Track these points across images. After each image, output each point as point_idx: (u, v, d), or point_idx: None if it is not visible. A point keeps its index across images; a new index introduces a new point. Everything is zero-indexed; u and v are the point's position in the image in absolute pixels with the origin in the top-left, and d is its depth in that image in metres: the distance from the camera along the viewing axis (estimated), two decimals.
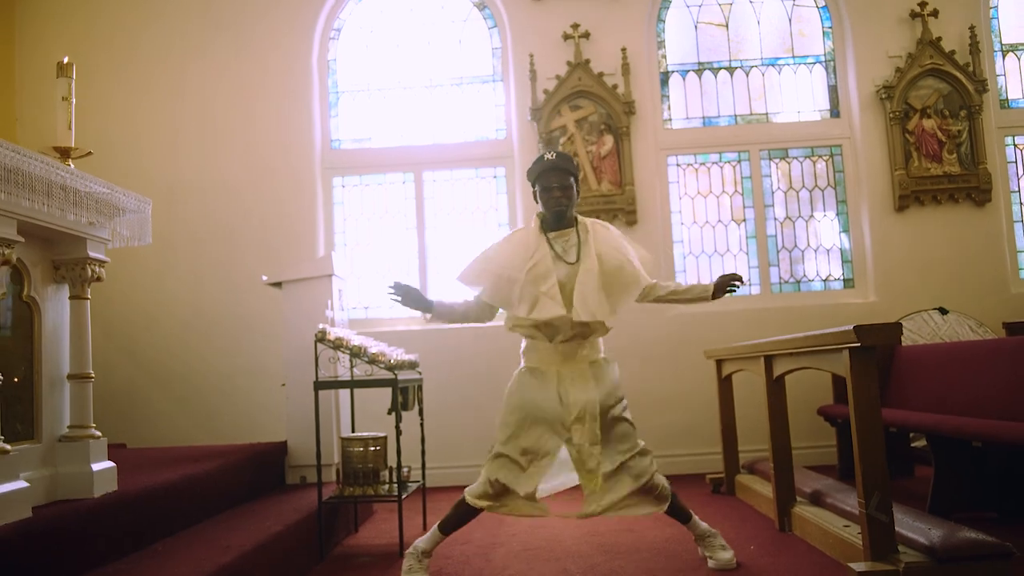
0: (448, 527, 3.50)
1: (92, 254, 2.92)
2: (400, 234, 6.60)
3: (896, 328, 2.81)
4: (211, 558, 2.82)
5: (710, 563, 3.44)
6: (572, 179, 3.47)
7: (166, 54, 6.62)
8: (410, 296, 3.55)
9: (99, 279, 2.97)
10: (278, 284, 4.95)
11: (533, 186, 3.52)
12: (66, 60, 2.95)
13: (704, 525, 3.53)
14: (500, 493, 3.37)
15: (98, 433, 2.94)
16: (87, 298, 2.96)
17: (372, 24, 6.76)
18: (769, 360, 4.07)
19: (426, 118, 6.67)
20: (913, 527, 2.97)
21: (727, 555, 3.42)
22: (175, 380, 6.36)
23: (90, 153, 2.97)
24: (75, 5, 6.70)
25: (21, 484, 2.49)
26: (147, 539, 3.08)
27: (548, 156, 3.46)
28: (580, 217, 3.55)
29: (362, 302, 6.56)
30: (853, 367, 2.93)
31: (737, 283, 3.63)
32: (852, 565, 2.84)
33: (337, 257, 5.10)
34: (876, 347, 2.87)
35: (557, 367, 3.41)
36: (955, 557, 2.74)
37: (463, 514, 3.49)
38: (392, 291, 3.53)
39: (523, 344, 3.53)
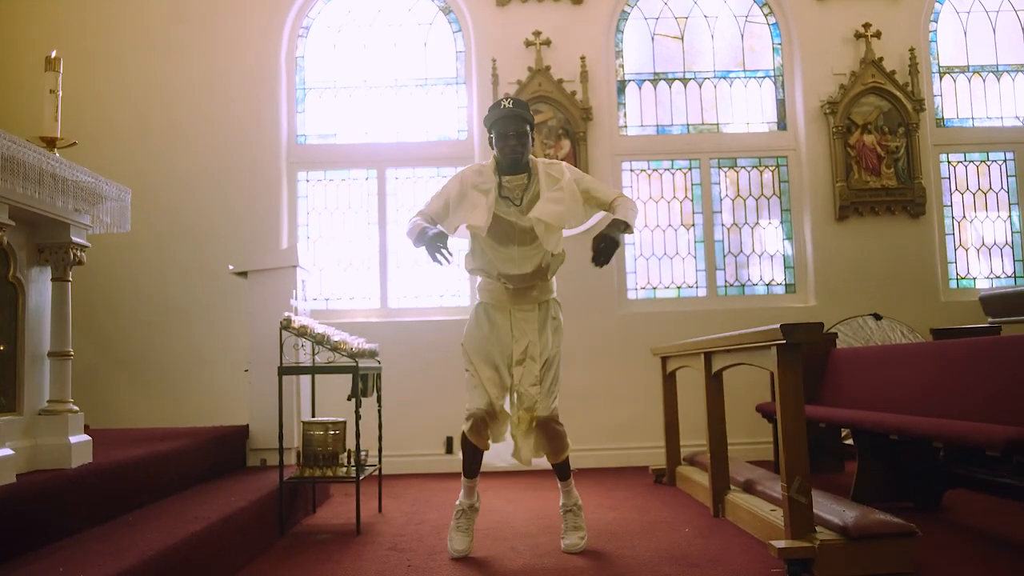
0: (467, 470, 3.72)
1: (75, 239, 3.09)
2: (363, 229, 6.78)
3: (818, 327, 3.09)
4: (181, 528, 3.00)
5: (562, 544, 3.70)
6: (528, 127, 3.54)
7: (137, 48, 6.73)
8: (433, 242, 3.48)
9: (80, 263, 3.13)
10: (243, 274, 5.12)
11: (489, 132, 3.58)
12: (54, 54, 3.10)
13: (576, 494, 3.83)
14: (476, 420, 3.56)
15: (76, 408, 3.11)
16: (69, 280, 3.13)
17: (340, 23, 6.94)
18: (708, 356, 4.35)
19: (390, 117, 6.87)
20: (831, 510, 3.26)
21: (575, 537, 3.69)
22: (138, 366, 6.49)
23: (75, 143, 3.13)
24: (46, 2, 6.80)
25: (7, 451, 2.67)
26: (120, 510, 3.25)
27: (505, 104, 3.52)
28: (534, 160, 3.63)
29: (323, 293, 6.73)
30: (780, 362, 3.21)
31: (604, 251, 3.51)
32: (773, 542, 3.11)
33: (301, 249, 5.28)
34: (801, 344, 3.15)
35: (509, 306, 3.66)
36: (865, 535, 3.03)
37: (465, 450, 3.70)
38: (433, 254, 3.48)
39: (479, 280, 3.79)
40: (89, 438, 3.15)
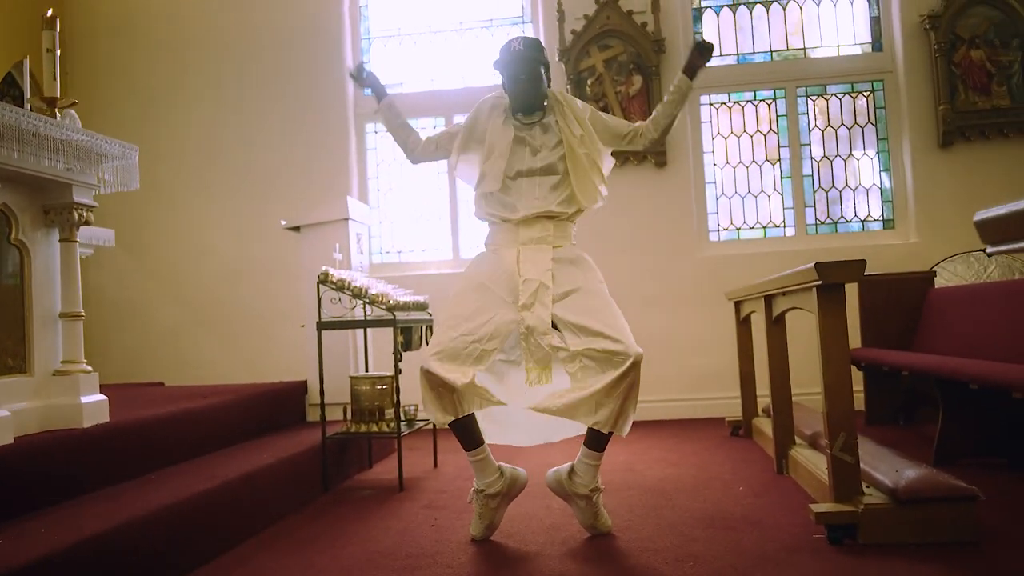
0: (464, 444, 3.10)
1: (78, 199, 3.06)
2: (432, 179, 6.65)
3: (859, 266, 2.72)
4: (192, 486, 2.97)
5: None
6: (541, 67, 3.26)
7: (204, 8, 6.77)
8: (370, 78, 3.47)
9: (87, 223, 3.11)
10: (297, 228, 5.08)
11: (501, 74, 3.32)
12: (50, 14, 3.05)
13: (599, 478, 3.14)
14: (440, 390, 2.93)
15: (89, 368, 3.11)
16: (76, 241, 3.12)
17: None
18: (769, 300, 4.00)
19: (456, 62, 6.67)
20: (884, 470, 2.92)
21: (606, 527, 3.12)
22: (219, 322, 6.63)
23: (75, 103, 3.10)
24: None
25: (3, 412, 2.68)
26: (142, 468, 3.26)
27: (516, 46, 3.26)
28: (552, 92, 3.33)
29: (395, 246, 6.66)
30: (820, 305, 2.87)
31: (706, 49, 3.29)
32: (812, 506, 2.81)
33: (353, 202, 5.19)
34: (842, 284, 2.80)
35: (517, 247, 3.18)
36: (916, 499, 2.69)
37: (454, 428, 3.06)
38: (352, 71, 3.48)
39: (487, 235, 3.37)
40: (104, 398, 3.15)
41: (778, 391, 3.99)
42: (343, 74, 6.59)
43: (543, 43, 3.45)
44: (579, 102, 3.36)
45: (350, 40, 6.70)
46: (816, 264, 2.74)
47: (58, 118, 2.97)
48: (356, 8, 6.75)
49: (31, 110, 2.86)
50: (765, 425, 4.77)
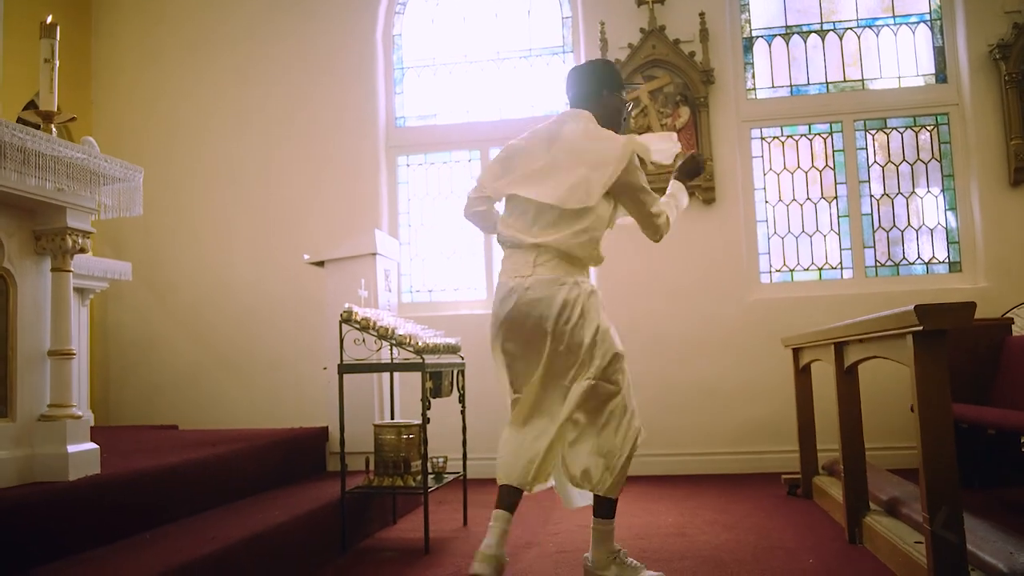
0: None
1: (72, 224, 2.74)
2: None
3: (968, 309, 2.32)
4: (187, 549, 2.61)
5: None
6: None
7: (232, 37, 6.56)
8: None
9: (83, 250, 2.79)
10: (321, 263, 4.76)
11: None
12: (49, 20, 2.76)
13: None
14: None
15: (79, 412, 2.78)
16: (69, 270, 2.80)
17: None
18: (839, 348, 3.58)
19: (493, 93, 6.37)
20: (993, 550, 2.48)
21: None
22: (239, 361, 6.30)
23: (73, 118, 2.80)
24: None
25: None
26: (135, 527, 2.90)
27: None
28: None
29: (426, 284, 6.33)
30: (917, 354, 2.45)
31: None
32: None
33: (382, 236, 4.86)
34: (944, 331, 2.39)
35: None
36: None
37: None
38: None
39: (581, 271, 3.13)
40: (95, 446, 2.80)
41: (850, 450, 3.55)
42: (375, 103, 6.32)
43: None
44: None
45: (382, 69, 6.43)
46: (917, 307, 2.33)
47: (53, 133, 2.66)
48: (389, 37, 6.50)
49: (22, 123, 2.56)
50: (829, 485, 4.32)
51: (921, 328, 2.36)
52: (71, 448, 2.69)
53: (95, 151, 2.70)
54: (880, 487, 3.67)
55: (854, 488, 3.54)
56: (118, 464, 2.98)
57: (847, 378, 3.58)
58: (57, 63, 2.77)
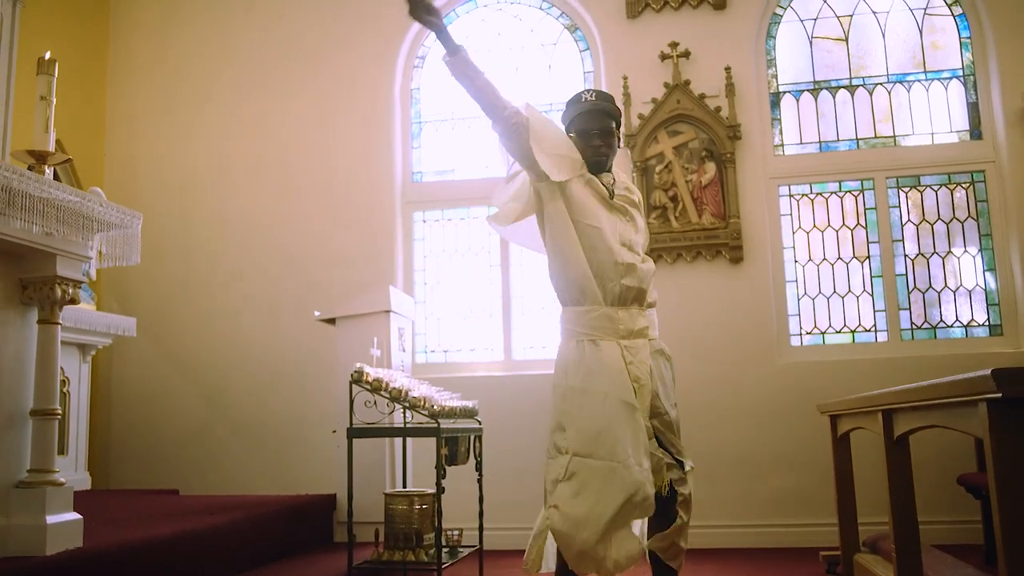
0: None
1: (62, 272, 2.54)
2: (483, 273, 6.12)
3: None
4: None
5: None
6: (614, 124, 3.05)
7: (247, 89, 6.46)
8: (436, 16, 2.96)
9: (73, 301, 2.58)
10: (332, 320, 4.55)
11: (568, 131, 3.09)
12: (48, 56, 2.61)
13: None
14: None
15: (62, 479, 2.54)
16: (57, 323, 2.58)
17: None
18: (889, 416, 3.31)
19: None
20: None
21: None
22: (245, 422, 6.05)
23: (69, 160, 2.63)
24: (162, 46, 6.64)
25: None
26: None
27: (587, 97, 3.06)
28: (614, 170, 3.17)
29: (441, 344, 6.10)
30: (993, 425, 2.19)
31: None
32: None
33: (397, 293, 4.66)
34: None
35: (615, 339, 2.87)
36: None
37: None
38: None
39: (564, 313, 3.01)
40: (78, 517, 2.56)
41: (902, 528, 3.26)
42: (392, 158, 6.18)
43: (621, 128, 3.27)
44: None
45: (400, 123, 6.31)
46: (994, 371, 2.08)
47: (47, 174, 2.48)
48: (407, 91, 6.39)
49: (9, 162, 2.37)
50: (872, 563, 4.00)
51: (1000, 395, 2.10)
52: (50, 519, 2.45)
53: (90, 195, 2.51)
54: (934, 567, 3.37)
55: (908, 569, 3.24)
56: (106, 535, 2.73)
57: (897, 449, 3.30)
58: (54, 100, 2.60)
